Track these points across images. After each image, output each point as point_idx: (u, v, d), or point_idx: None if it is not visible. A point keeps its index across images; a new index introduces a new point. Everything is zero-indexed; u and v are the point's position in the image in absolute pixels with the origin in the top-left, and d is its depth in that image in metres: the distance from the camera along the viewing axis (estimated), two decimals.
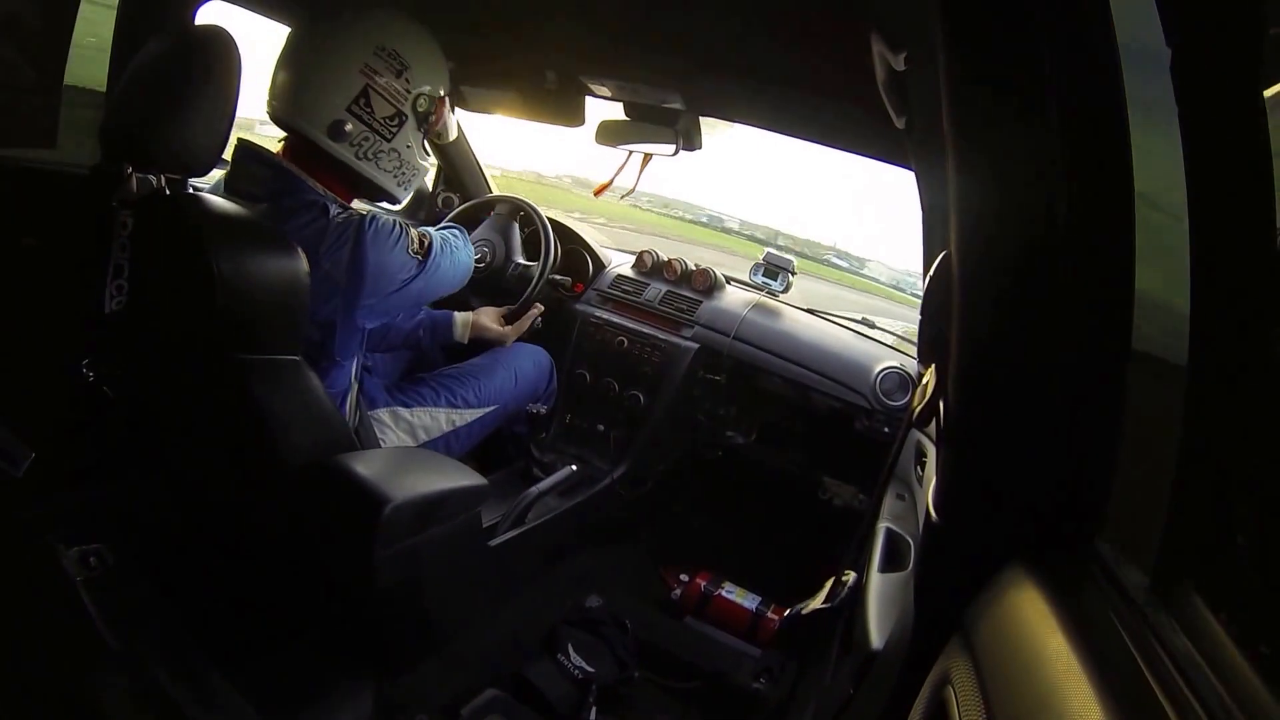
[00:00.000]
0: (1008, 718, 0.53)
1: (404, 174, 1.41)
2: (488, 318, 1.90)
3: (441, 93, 1.39)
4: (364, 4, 1.31)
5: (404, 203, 1.53)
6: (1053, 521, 0.64)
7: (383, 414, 1.58)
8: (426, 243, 1.41)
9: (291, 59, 1.30)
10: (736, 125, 1.82)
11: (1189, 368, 0.56)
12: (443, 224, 1.73)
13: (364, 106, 1.29)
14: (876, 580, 1.31)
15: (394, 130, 1.34)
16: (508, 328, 1.92)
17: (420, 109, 1.36)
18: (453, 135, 1.51)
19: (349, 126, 1.28)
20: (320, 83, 1.27)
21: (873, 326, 2.24)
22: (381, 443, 1.54)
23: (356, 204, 1.42)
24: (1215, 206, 0.53)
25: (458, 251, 1.52)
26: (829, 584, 1.65)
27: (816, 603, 1.48)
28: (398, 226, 1.35)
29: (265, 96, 1.34)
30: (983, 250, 0.62)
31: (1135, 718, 0.44)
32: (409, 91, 1.33)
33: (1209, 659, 0.48)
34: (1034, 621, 0.56)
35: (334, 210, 1.29)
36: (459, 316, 1.85)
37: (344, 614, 1.33)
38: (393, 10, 1.32)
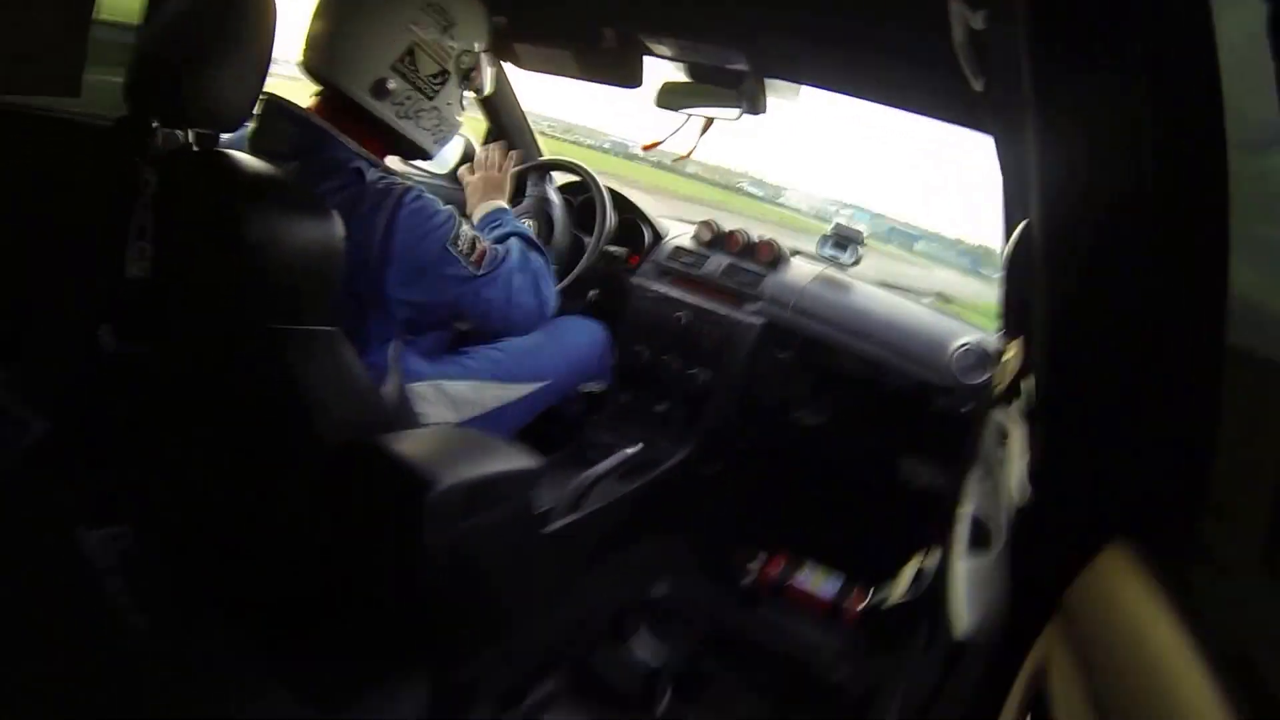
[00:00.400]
0: (1115, 708, 0.49)
1: (441, 130, 1.37)
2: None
3: (483, 49, 1.36)
4: None
5: (436, 158, 1.47)
6: (1155, 500, 0.60)
7: (423, 387, 1.48)
8: (484, 254, 1.34)
9: (333, 12, 1.27)
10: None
11: None
12: (492, 221, 1.61)
13: (409, 65, 1.26)
14: (963, 563, 1.26)
15: (437, 88, 1.31)
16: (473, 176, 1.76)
17: (464, 65, 1.33)
18: (489, 89, 1.46)
19: (393, 84, 1.25)
20: (365, 39, 1.24)
21: (948, 301, 2.15)
22: (422, 419, 1.46)
23: (394, 163, 1.38)
24: None
25: (539, 282, 1.44)
26: (910, 571, 1.59)
27: (898, 594, 1.43)
28: (444, 214, 1.29)
29: (301, 47, 1.30)
30: (1069, 216, 0.58)
31: (1249, 706, 0.41)
32: (454, 48, 1.30)
33: None
34: (1141, 604, 0.52)
35: (371, 174, 1.24)
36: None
37: (390, 602, 1.26)
38: None
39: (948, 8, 0.99)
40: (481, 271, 1.33)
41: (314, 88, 1.34)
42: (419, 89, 1.29)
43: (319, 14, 1.27)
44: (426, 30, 1.26)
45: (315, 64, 1.28)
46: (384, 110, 1.27)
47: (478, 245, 1.34)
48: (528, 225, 1.88)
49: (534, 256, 1.48)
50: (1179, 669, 0.44)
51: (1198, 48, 0.53)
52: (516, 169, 2.05)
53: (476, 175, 1.73)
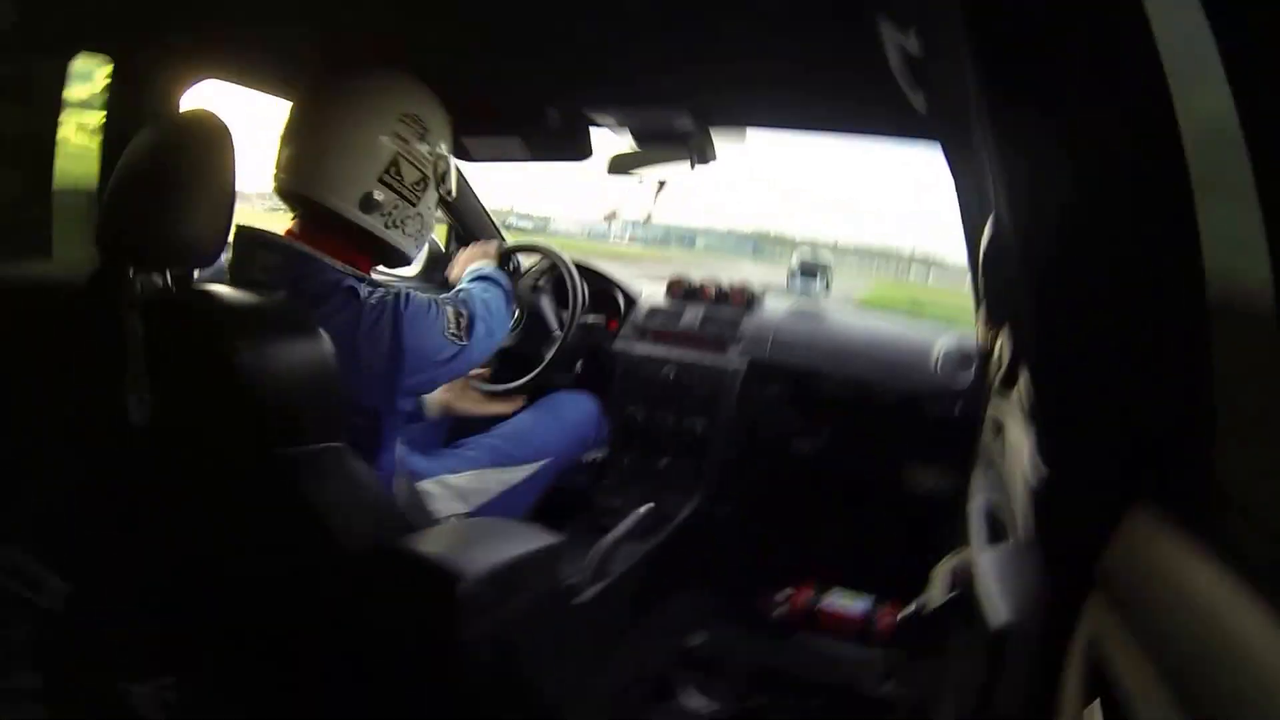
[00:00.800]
0: (1180, 661, 0.51)
1: (422, 235, 1.40)
2: (469, 401, 1.86)
3: (445, 149, 1.39)
4: (370, 72, 1.30)
5: (416, 261, 1.50)
6: (1167, 453, 0.63)
7: (429, 484, 1.52)
8: (464, 321, 1.38)
9: (312, 132, 1.28)
10: None
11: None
12: (474, 272, 1.65)
13: (394, 175, 1.28)
14: (984, 557, 1.28)
15: (420, 195, 1.33)
16: (492, 404, 1.88)
17: (440, 169, 1.36)
18: (454, 190, 1.48)
19: (380, 196, 1.27)
20: (351, 156, 1.25)
21: (921, 307, 2.22)
22: (433, 514, 1.48)
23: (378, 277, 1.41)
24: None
25: (496, 313, 1.48)
26: (943, 572, 1.61)
27: (937, 596, 1.44)
28: (433, 306, 1.32)
29: (273, 171, 1.30)
30: (1039, 205, 0.61)
31: None
32: (430, 154, 1.33)
33: None
34: (1178, 557, 0.55)
35: (363, 290, 1.25)
36: (427, 398, 1.78)
37: (435, 701, 1.23)
38: (406, 75, 1.32)
39: (879, 35, 1.04)
40: (466, 341, 1.37)
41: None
42: (404, 198, 1.31)
43: (292, 136, 1.29)
44: (407, 140, 1.29)
45: (295, 186, 1.28)
46: (373, 223, 1.29)
47: (460, 318, 1.37)
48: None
49: (479, 287, 1.52)
50: (1236, 608, 0.47)
51: (1139, 43, 0.56)
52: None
53: (470, 250, 1.80)
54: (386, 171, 1.27)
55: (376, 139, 1.26)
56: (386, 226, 1.30)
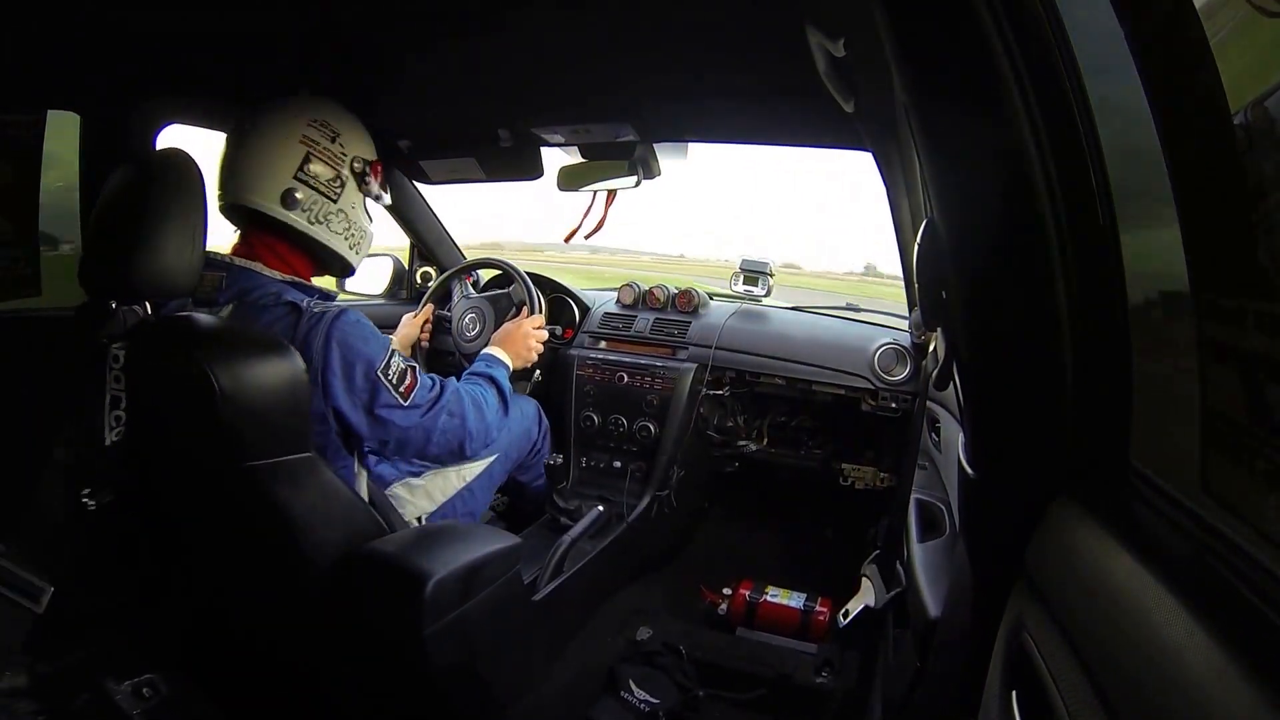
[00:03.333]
0: (1094, 646, 0.54)
1: (353, 235, 1.44)
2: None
3: (372, 158, 1.45)
4: (286, 97, 1.38)
5: (357, 268, 1.51)
6: (1087, 450, 0.66)
7: (397, 489, 1.58)
8: (410, 383, 1.38)
9: (234, 145, 1.36)
10: None
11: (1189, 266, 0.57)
12: (485, 361, 1.71)
13: (307, 172, 1.35)
14: (918, 551, 1.33)
15: (338, 191, 1.39)
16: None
17: (357, 169, 1.41)
18: (386, 198, 1.53)
19: (299, 194, 1.34)
20: (267, 158, 1.33)
21: (858, 310, 2.27)
22: (403, 517, 1.54)
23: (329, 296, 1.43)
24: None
25: (469, 407, 1.48)
26: (869, 570, 1.66)
27: (880, 594, 1.48)
28: (384, 344, 1.35)
29: (216, 195, 1.36)
30: (968, 214, 0.64)
31: (1219, 615, 0.45)
32: (344, 154, 1.39)
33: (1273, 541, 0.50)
34: (1096, 547, 0.57)
35: (306, 303, 1.30)
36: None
37: (400, 697, 1.31)
38: (315, 93, 1.40)
39: (807, 42, 1.08)
40: (408, 403, 1.37)
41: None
42: (321, 193, 1.37)
43: (224, 155, 1.37)
44: (316, 140, 1.36)
45: (229, 197, 1.35)
46: (296, 219, 1.35)
47: (408, 376, 1.39)
48: (468, 320, 2.05)
49: (480, 400, 1.54)
50: (1147, 597, 0.49)
51: (1054, 45, 0.59)
52: (446, 274, 2.20)
53: (508, 330, 1.83)
54: (301, 169, 1.34)
55: (289, 140, 1.34)
56: (310, 222, 1.37)
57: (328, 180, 1.37)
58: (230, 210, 1.38)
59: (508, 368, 1.70)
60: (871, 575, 1.67)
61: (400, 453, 1.50)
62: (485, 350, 1.74)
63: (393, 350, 1.36)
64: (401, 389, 1.36)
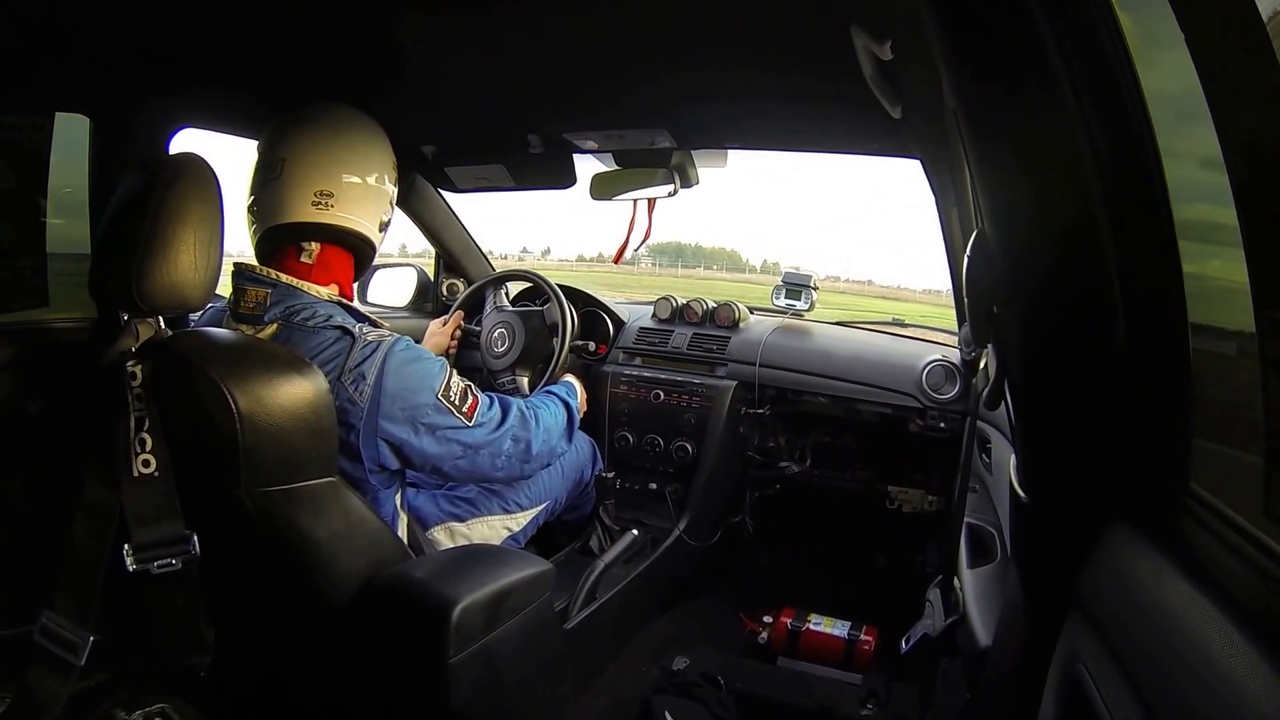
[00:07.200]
0: (1153, 680, 0.51)
1: (378, 209, 1.38)
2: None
3: (393, 174, 1.39)
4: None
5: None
6: (1144, 473, 0.63)
7: (438, 532, 1.54)
8: (473, 401, 1.34)
9: (269, 175, 1.29)
10: None
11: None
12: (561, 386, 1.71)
13: (338, 177, 1.29)
14: (968, 577, 1.28)
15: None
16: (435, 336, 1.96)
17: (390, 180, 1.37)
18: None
19: (330, 190, 1.28)
20: (300, 177, 1.27)
21: (904, 325, 2.22)
22: None
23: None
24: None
25: (537, 423, 1.46)
26: (933, 597, 1.60)
27: (937, 621, 1.42)
28: (441, 366, 1.31)
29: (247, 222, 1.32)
30: (1020, 226, 0.61)
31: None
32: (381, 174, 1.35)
33: None
34: (1154, 574, 0.54)
35: (358, 330, 1.25)
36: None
37: None
38: (334, 98, 1.35)
39: (852, 45, 1.04)
40: (472, 423, 1.34)
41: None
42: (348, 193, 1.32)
43: (257, 183, 1.31)
44: (357, 168, 1.31)
45: (264, 219, 1.29)
46: (326, 215, 1.29)
47: (469, 396, 1.35)
48: (497, 335, 1.99)
49: (548, 419, 1.51)
50: (1207, 627, 0.46)
51: (1113, 52, 0.56)
52: (474, 287, 2.15)
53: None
54: (329, 176, 1.29)
55: (329, 171, 1.28)
56: (340, 211, 1.30)
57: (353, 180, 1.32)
58: (267, 243, 1.31)
59: (579, 403, 1.69)
60: (935, 600, 1.60)
61: (468, 476, 1.45)
62: (566, 378, 1.76)
63: (451, 370, 1.32)
64: (464, 409, 1.32)
